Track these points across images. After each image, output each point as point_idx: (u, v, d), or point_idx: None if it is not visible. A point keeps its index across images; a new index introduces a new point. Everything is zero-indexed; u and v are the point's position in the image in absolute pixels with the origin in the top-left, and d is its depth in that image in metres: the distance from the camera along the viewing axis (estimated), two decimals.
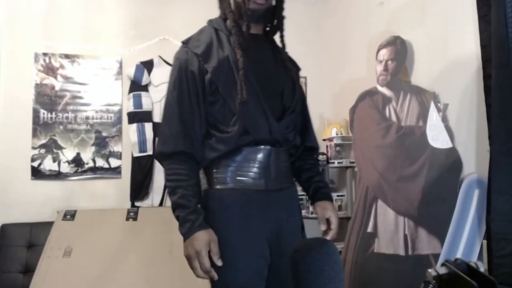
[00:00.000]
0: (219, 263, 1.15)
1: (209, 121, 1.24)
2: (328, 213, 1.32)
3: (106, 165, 2.71)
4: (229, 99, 1.21)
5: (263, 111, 1.22)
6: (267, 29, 1.36)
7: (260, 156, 1.23)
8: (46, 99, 2.63)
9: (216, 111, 1.23)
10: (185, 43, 1.30)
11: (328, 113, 3.10)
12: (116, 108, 2.76)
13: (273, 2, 1.30)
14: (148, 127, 2.71)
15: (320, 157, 2.68)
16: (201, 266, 1.14)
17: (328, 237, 1.28)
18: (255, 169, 1.23)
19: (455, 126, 1.93)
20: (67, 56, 2.69)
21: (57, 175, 2.61)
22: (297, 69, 1.46)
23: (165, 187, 2.75)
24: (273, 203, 1.25)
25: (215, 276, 1.14)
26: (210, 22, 1.35)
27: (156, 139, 2.66)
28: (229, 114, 1.22)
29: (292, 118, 1.29)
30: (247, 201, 1.22)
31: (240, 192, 1.22)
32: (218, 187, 1.23)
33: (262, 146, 1.23)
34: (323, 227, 1.31)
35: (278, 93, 1.29)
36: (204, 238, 1.14)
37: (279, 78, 1.31)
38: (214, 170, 1.24)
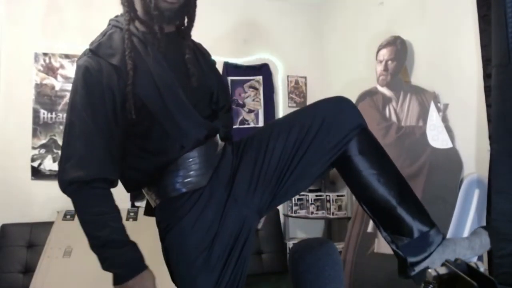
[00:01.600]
0: None
1: (134, 141, 1.12)
2: None
3: None
4: (159, 116, 1.07)
5: (200, 123, 1.13)
6: (181, 27, 1.24)
7: (197, 155, 1.13)
8: (46, 99, 2.63)
9: (141, 128, 1.10)
10: (94, 50, 1.11)
11: None
12: None
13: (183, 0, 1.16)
14: None
15: None
16: None
17: None
18: (196, 169, 1.13)
19: (455, 126, 1.93)
20: (67, 56, 2.69)
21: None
22: (208, 56, 1.34)
23: None
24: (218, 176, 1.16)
25: None
26: (115, 23, 1.21)
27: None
28: (158, 131, 1.09)
29: (227, 116, 1.27)
30: (198, 198, 1.13)
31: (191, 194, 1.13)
32: (169, 196, 1.14)
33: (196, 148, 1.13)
34: None
35: (206, 94, 1.20)
36: (153, 276, 1.11)
37: (206, 78, 1.21)
38: (150, 187, 1.17)
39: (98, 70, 1.06)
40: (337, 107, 1.11)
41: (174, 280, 1.23)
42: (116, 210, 1.11)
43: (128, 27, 1.12)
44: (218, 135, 1.20)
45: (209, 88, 1.20)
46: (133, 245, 1.09)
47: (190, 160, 1.12)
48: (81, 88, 1.05)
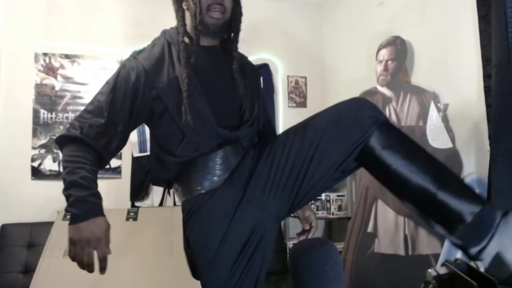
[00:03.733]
0: (109, 252, 1.12)
1: (158, 143, 1.25)
2: (307, 212, 1.35)
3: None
4: (178, 120, 1.19)
5: (213, 131, 1.21)
6: (225, 40, 1.34)
7: (219, 157, 1.23)
8: (46, 99, 2.63)
9: (164, 131, 1.23)
10: (136, 53, 1.25)
11: None
12: None
13: (228, 15, 1.27)
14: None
15: None
16: (99, 254, 1.09)
17: (310, 235, 1.30)
18: (215, 170, 1.22)
19: (455, 126, 1.93)
20: (67, 56, 2.69)
21: (57, 175, 2.61)
22: (256, 75, 1.45)
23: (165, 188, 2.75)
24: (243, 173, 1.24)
25: (105, 268, 1.12)
26: (164, 33, 1.31)
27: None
28: (179, 134, 1.21)
29: (250, 131, 1.28)
30: (211, 197, 1.21)
31: (204, 194, 1.21)
32: (189, 196, 1.24)
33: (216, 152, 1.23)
34: (306, 226, 1.33)
35: (235, 107, 1.28)
36: (104, 225, 1.11)
37: (236, 92, 1.29)
38: (177, 185, 1.28)
39: (131, 69, 1.20)
40: (352, 106, 1.09)
41: (194, 275, 1.32)
42: (95, 166, 1.18)
43: (182, 39, 1.23)
44: (241, 143, 1.26)
45: (239, 99, 1.28)
46: (96, 194, 1.13)
47: (209, 163, 1.22)
48: (113, 79, 1.21)
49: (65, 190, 1.14)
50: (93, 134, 1.17)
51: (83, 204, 1.09)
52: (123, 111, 1.19)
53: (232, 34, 1.31)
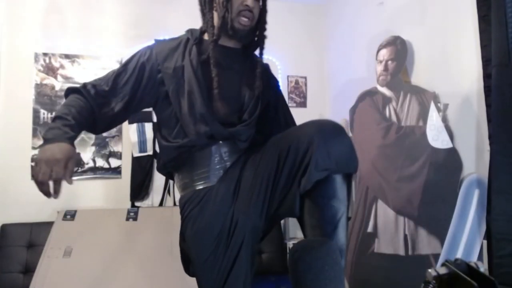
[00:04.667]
0: (70, 182, 1.14)
1: (159, 128, 1.37)
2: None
3: (106, 165, 2.71)
4: (176, 105, 1.29)
5: (204, 119, 1.26)
6: (248, 45, 1.41)
7: (213, 153, 1.30)
8: (46, 99, 2.63)
9: (163, 115, 1.34)
10: (154, 43, 1.39)
11: (328, 113, 3.10)
12: None
13: (255, 22, 1.34)
14: (148, 127, 2.70)
15: None
16: (53, 174, 1.11)
17: None
18: (210, 168, 1.29)
19: (455, 126, 1.93)
20: (67, 56, 2.69)
21: None
22: (272, 80, 1.53)
23: (165, 187, 2.75)
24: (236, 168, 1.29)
25: (58, 193, 1.14)
26: (188, 31, 1.41)
27: (156, 140, 2.69)
28: (174, 120, 1.31)
29: (245, 130, 1.32)
30: (203, 196, 1.27)
31: (198, 192, 1.28)
32: (184, 192, 1.33)
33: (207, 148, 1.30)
34: None
35: (236, 106, 1.34)
36: (67, 149, 1.13)
37: (243, 92, 1.35)
38: (176, 177, 1.37)
39: (143, 53, 1.33)
40: (311, 136, 1.06)
41: (187, 270, 1.41)
42: (81, 109, 1.24)
43: (213, 39, 1.31)
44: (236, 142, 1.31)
45: (243, 99, 1.35)
46: (70, 125, 1.18)
47: (205, 160, 1.29)
48: (127, 59, 1.35)
49: (51, 122, 1.21)
50: (93, 92, 1.27)
51: (54, 131, 1.16)
52: (126, 85, 1.29)
53: (257, 40, 1.39)
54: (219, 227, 1.18)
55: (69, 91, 1.31)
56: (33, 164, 1.15)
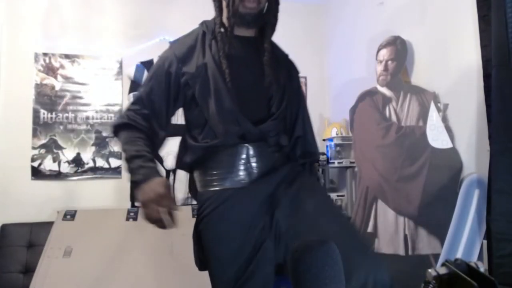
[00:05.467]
0: (174, 207, 1.18)
1: (187, 127, 1.35)
2: (315, 187, 1.32)
3: (106, 165, 2.71)
4: (203, 106, 1.25)
5: (234, 119, 1.23)
6: (261, 31, 1.35)
7: (239, 153, 1.25)
8: (46, 99, 2.63)
9: (191, 116, 1.32)
10: (171, 44, 1.36)
11: (328, 113, 3.10)
12: (116, 108, 2.76)
13: (265, 6, 1.28)
14: None
15: (321, 157, 2.68)
16: (167, 207, 1.15)
17: None
18: (234, 169, 1.25)
19: (455, 126, 1.93)
20: (67, 56, 2.69)
21: (57, 175, 2.61)
22: (293, 71, 1.42)
23: None
24: (262, 183, 1.25)
25: (175, 223, 1.18)
26: (202, 24, 1.36)
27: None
28: (202, 120, 1.27)
29: (275, 124, 1.27)
30: (227, 198, 1.23)
31: (221, 192, 1.24)
32: (205, 189, 1.28)
33: (239, 145, 1.25)
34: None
35: (262, 98, 1.28)
36: (165, 182, 1.18)
37: (268, 84, 1.28)
38: (197, 173, 1.32)
39: (165, 59, 1.30)
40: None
41: (199, 265, 1.37)
42: (145, 140, 1.28)
43: (219, 29, 1.27)
44: (266, 140, 1.26)
45: (268, 91, 1.28)
46: (151, 159, 1.24)
47: (231, 158, 1.25)
48: (151, 70, 1.34)
49: (128, 168, 1.24)
50: (139, 119, 1.28)
51: (141, 170, 1.19)
52: (160, 99, 1.29)
53: (267, 22, 1.31)
54: (243, 241, 1.17)
55: (117, 128, 1.30)
56: (140, 208, 1.18)
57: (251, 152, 1.25)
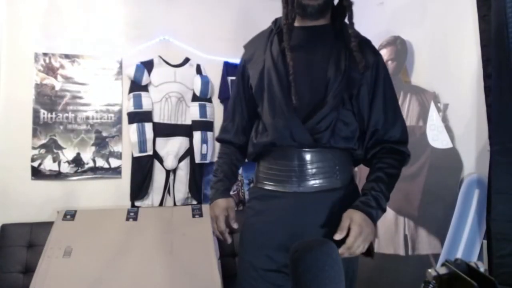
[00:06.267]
0: (235, 226, 1.31)
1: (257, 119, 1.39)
2: (347, 221, 1.12)
3: (106, 165, 2.71)
4: (259, 102, 1.30)
5: (283, 115, 1.20)
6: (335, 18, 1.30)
7: (280, 159, 1.24)
8: (46, 99, 2.63)
9: (256, 112, 1.36)
10: (245, 45, 1.42)
11: None
12: (116, 108, 2.76)
13: None
14: (148, 127, 2.70)
15: None
16: (217, 228, 1.31)
17: (340, 251, 1.08)
18: (279, 172, 1.24)
19: (455, 126, 1.93)
20: (67, 56, 2.69)
21: (57, 175, 2.61)
22: (370, 60, 1.25)
23: (165, 187, 2.75)
24: (300, 208, 1.21)
25: (228, 239, 1.31)
26: (273, 21, 1.38)
27: (156, 139, 2.73)
28: (258, 118, 1.34)
29: (323, 115, 1.18)
30: (268, 204, 1.26)
31: (263, 193, 1.29)
32: (255, 185, 1.37)
33: (288, 148, 1.23)
34: (336, 236, 1.11)
35: (321, 89, 1.20)
36: (222, 205, 1.32)
37: (328, 73, 1.20)
38: (256, 168, 1.39)
39: (239, 66, 1.41)
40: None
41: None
42: (227, 158, 1.43)
43: (284, 22, 1.26)
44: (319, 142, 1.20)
45: (327, 81, 1.21)
46: (219, 180, 1.38)
47: (282, 160, 1.25)
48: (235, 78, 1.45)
49: (212, 182, 1.43)
50: (231, 135, 1.42)
51: (212, 191, 1.38)
52: (242, 107, 1.39)
53: (340, 9, 1.29)
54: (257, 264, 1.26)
55: (218, 141, 1.49)
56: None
57: (307, 156, 1.20)
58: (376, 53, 1.29)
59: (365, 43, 1.29)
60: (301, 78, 1.21)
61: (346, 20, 1.27)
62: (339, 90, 1.19)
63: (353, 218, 1.13)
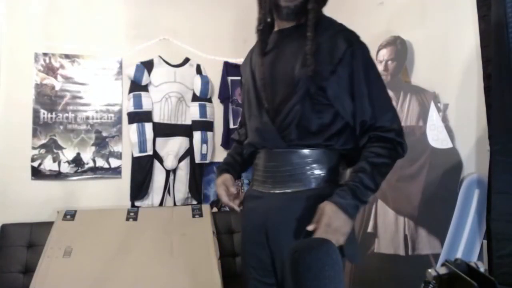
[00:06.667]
0: (233, 190, 1.38)
1: None
2: (319, 213, 1.12)
3: (106, 165, 2.71)
4: (243, 107, 1.43)
5: (256, 118, 1.29)
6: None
7: (260, 160, 1.32)
8: (46, 99, 2.63)
9: None
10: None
11: None
12: (116, 108, 2.76)
13: None
14: (148, 127, 2.71)
15: None
16: (222, 199, 1.38)
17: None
18: (260, 172, 1.31)
19: (455, 126, 1.93)
20: (67, 56, 2.69)
21: (57, 175, 2.61)
22: (339, 55, 1.19)
23: (165, 187, 2.75)
24: (274, 208, 1.23)
25: (236, 207, 1.37)
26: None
27: (156, 139, 2.73)
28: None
29: (288, 109, 1.19)
30: (253, 204, 1.33)
31: (251, 193, 1.36)
32: (250, 185, 1.44)
33: (263, 150, 1.32)
34: (309, 227, 1.12)
35: (289, 90, 1.20)
36: (218, 181, 1.41)
37: (296, 74, 1.19)
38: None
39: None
40: None
41: None
42: (235, 151, 1.53)
43: (259, 30, 1.34)
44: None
45: (296, 82, 1.21)
46: (225, 163, 1.49)
47: (257, 160, 1.35)
48: None
49: None
50: (239, 135, 1.54)
51: (218, 168, 1.49)
52: (243, 106, 1.45)
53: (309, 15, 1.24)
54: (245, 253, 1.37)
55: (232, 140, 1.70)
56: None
57: (279, 158, 1.23)
58: (351, 42, 1.21)
59: (341, 34, 1.23)
60: (273, 80, 1.25)
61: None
62: (302, 84, 1.18)
63: (324, 210, 1.11)
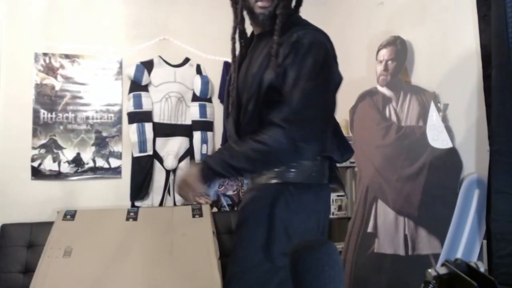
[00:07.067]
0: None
1: None
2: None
3: (106, 165, 2.71)
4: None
5: (226, 121, 1.42)
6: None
7: None
8: (46, 99, 2.63)
9: None
10: None
11: None
12: (116, 108, 2.76)
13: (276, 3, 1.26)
14: (148, 127, 2.71)
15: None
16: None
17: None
18: None
19: (455, 126, 1.93)
20: (67, 56, 2.69)
21: (57, 175, 2.61)
22: (282, 60, 1.22)
23: (165, 187, 2.75)
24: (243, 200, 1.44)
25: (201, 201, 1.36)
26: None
27: (156, 139, 2.73)
28: None
29: (243, 113, 1.30)
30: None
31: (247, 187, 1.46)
32: None
33: None
34: None
35: (250, 94, 1.29)
36: (189, 171, 1.36)
37: (258, 76, 1.25)
38: None
39: None
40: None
41: None
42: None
43: (233, 38, 1.41)
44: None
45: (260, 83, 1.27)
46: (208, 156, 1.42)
47: None
48: None
49: None
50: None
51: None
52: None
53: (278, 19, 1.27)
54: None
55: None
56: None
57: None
58: (293, 45, 1.22)
59: (294, 36, 1.25)
60: (242, 85, 1.32)
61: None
62: (252, 91, 1.26)
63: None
